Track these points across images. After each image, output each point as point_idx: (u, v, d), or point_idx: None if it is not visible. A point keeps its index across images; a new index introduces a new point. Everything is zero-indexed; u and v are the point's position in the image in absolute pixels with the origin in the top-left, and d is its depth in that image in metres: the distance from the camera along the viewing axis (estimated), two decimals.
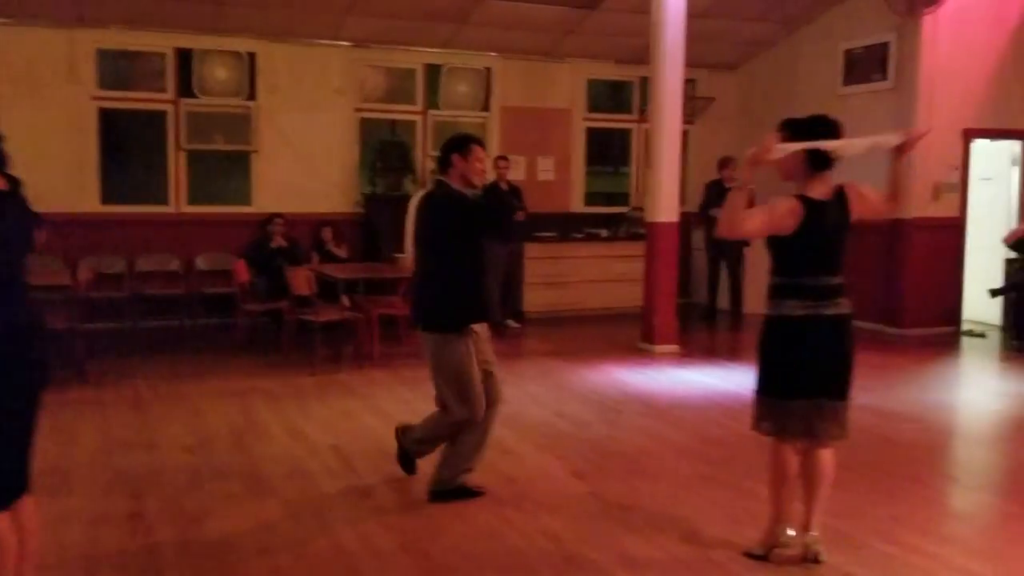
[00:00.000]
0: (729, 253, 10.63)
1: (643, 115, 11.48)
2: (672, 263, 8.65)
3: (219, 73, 9.49)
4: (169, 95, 9.39)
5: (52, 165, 8.96)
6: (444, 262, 4.52)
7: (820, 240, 3.86)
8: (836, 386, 3.92)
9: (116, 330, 9.04)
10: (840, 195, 3.92)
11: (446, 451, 4.63)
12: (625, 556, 3.96)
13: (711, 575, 3.82)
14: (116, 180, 9.39)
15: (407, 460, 4.90)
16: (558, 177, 11.06)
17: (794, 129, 3.95)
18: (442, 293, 4.50)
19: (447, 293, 4.49)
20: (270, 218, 9.40)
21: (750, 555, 3.97)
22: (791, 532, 3.96)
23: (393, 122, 10.45)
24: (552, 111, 10.96)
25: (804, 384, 3.86)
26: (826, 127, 3.91)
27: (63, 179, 9.05)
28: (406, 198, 9.93)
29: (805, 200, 3.84)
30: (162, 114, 9.39)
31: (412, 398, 6.67)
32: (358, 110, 10.12)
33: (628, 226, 11.05)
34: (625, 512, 4.49)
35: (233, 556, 3.89)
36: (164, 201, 9.50)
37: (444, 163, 4.53)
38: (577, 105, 11.10)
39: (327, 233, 9.69)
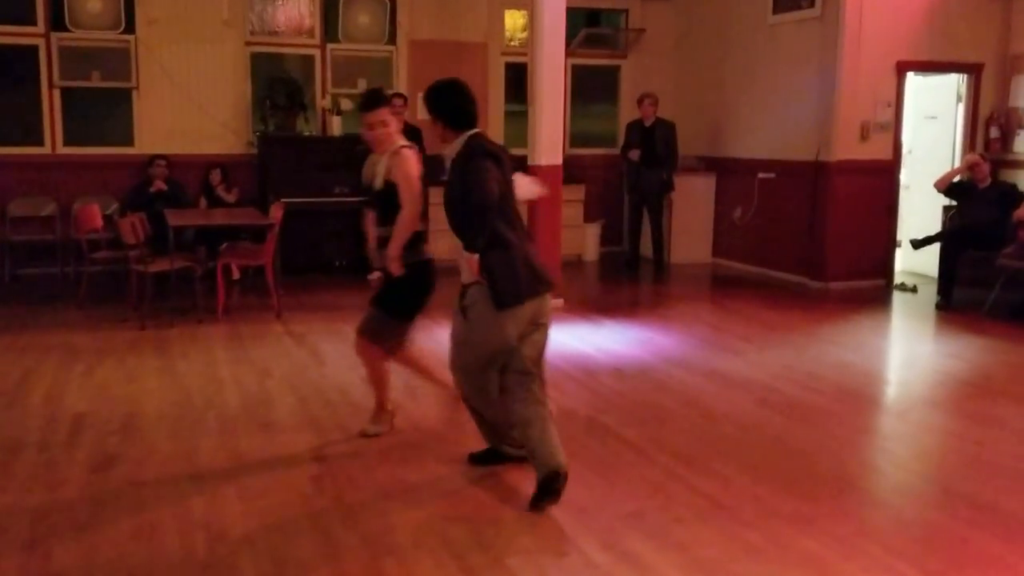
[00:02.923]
0: (651, 199, 9.91)
1: (569, 49, 10.67)
2: (555, 209, 7.95)
3: (92, 5, 8.89)
4: (39, 28, 8.84)
5: None
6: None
7: None
8: None
9: None
10: None
11: None
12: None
13: None
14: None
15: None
16: None
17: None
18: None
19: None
20: (151, 160, 8.91)
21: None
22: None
23: (286, 57, 9.80)
24: (467, 45, 10.19)
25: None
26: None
27: None
28: (299, 139, 9.38)
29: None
30: (33, 49, 8.84)
31: (225, 360, 6.18)
32: (248, 44, 9.47)
33: None
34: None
35: None
36: (39, 142, 9.02)
37: (474, 117, 4.02)
38: (495, 39, 10.32)
39: (215, 176, 9.15)
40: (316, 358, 6.22)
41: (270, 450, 4.56)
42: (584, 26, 10.80)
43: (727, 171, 10.22)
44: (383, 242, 4.48)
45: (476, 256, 3.84)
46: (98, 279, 8.11)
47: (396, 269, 4.41)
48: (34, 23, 8.82)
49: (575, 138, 11.02)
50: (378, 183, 4.43)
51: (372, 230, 4.61)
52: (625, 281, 9.65)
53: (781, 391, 5.59)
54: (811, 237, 8.94)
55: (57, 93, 8.96)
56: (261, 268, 7.63)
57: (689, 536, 3.64)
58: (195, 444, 4.62)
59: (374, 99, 4.49)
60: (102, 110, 9.34)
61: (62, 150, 9.06)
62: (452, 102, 4.01)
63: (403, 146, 4.41)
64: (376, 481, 4.20)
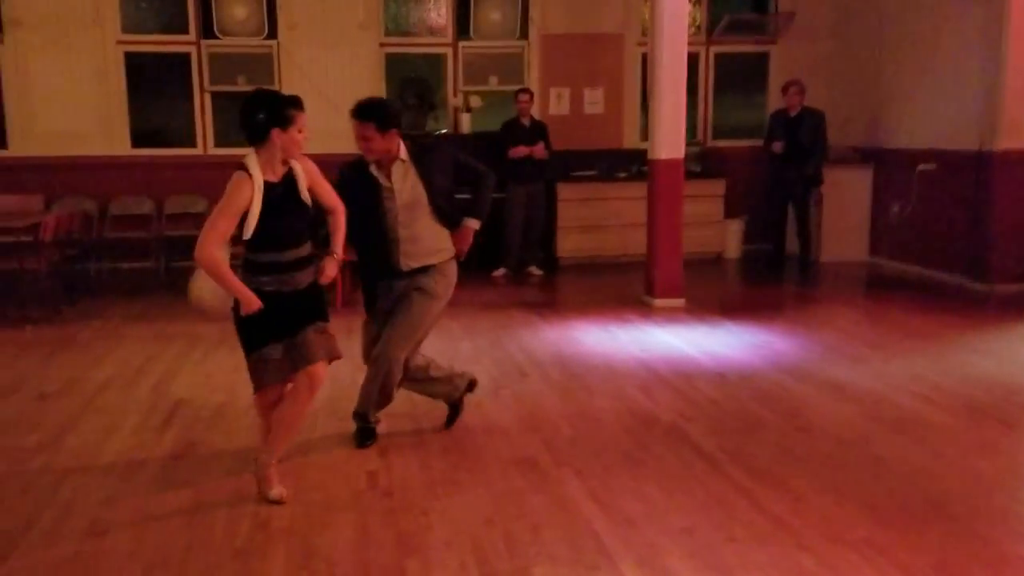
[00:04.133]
0: (796, 193, 9.33)
1: (710, 38, 10.25)
2: (676, 205, 7.62)
3: (238, 12, 9.35)
4: (191, 36, 9.39)
5: (83, 110, 9.28)
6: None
7: None
8: None
9: (148, 270, 9.30)
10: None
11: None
12: None
13: None
14: (145, 123, 9.54)
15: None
16: (608, 110, 10.09)
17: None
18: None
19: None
20: None
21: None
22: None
23: (420, 56, 9.93)
24: (601, 36, 9.96)
25: None
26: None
27: (94, 124, 9.34)
28: (427, 138, 9.46)
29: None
30: (186, 56, 9.42)
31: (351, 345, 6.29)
32: (383, 45, 9.67)
33: (686, 163, 9.90)
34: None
35: None
36: (191, 143, 9.60)
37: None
38: (631, 29, 10.03)
39: None
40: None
41: (338, 442, 4.60)
42: (732, 11, 10.32)
43: (884, 162, 9.47)
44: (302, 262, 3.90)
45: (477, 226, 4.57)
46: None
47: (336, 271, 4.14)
48: (187, 31, 9.38)
49: (718, 129, 10.58)
50: (306, 196, 3.84)
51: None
52: (763, 281, 9.13)
53: (897, 404, 5.07)
54: (975, 234, 8.11)
55: (208, 97, 9.50)
56: None
57: (736, 558, 3.34)
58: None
59: (298, 100, 3.81)
60: None
61: (213, 151, 9.59)
62: (401, 113, 4.41)
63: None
64: (430, 478, 4.14)
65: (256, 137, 3.73)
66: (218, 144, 9.61)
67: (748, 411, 5.00)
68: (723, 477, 4.08)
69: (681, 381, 5.55)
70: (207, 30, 9.39)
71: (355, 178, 4.41)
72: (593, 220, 9.58)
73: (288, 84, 9.50)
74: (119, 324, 7.18)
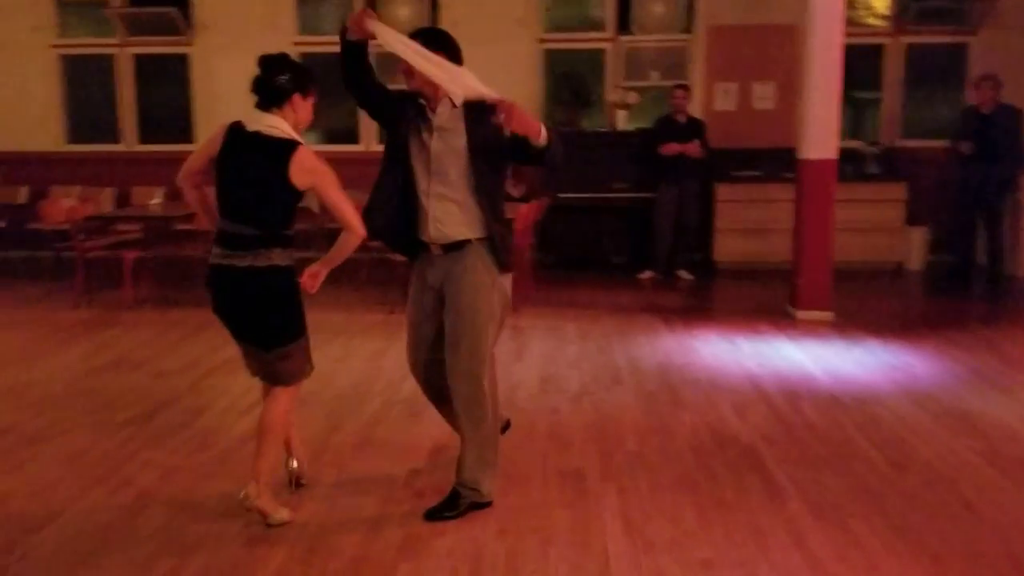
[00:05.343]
0: (986, 200, 8.35)
1: (900, 26, 9.36)
2: (826, 210, 6.97)
3: (401, 12, 9.60)
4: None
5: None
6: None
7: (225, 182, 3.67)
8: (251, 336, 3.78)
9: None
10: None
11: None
12: None
13: None
14: (316, 121, 9.94)
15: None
16: (779, 106, 9.45)
17: None
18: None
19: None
20: None
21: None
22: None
23: (579, 52, 9.75)
24: (773, 28, 9.33)
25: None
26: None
27: None
28: (582, 134, 9.26)
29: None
30: None
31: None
32: (542, 41, 9.59)
33: (863, 164, 9.13)
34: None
35: None
36: (354, 140, 9.99)
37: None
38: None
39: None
40: (517, 354, 6.10)
41: (398, 441, 4.56)
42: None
43: None
44: None
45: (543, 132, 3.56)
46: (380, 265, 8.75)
47: None
48: None
49: (908, 128, 9.65)
50: None
51: None
52: (939, 295, 8.21)
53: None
54: None
55: None
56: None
57: None
58: (340, 424, 4.78)
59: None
60: None
61: (374, 148, 9.87)
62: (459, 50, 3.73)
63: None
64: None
65: (276, 99, 3.54)
66: (380, 141, 9.94)
67: (843, 439, 4.48)
68: (778, 509, 3.67)
69: (784, 401, 5.08)
70: None
71: (405, 101, 3.81)
72: (755, 223, 9.00)
73: None
74: None
